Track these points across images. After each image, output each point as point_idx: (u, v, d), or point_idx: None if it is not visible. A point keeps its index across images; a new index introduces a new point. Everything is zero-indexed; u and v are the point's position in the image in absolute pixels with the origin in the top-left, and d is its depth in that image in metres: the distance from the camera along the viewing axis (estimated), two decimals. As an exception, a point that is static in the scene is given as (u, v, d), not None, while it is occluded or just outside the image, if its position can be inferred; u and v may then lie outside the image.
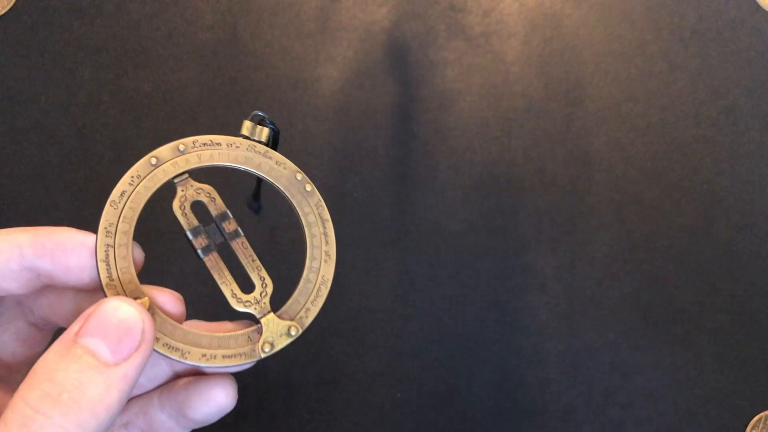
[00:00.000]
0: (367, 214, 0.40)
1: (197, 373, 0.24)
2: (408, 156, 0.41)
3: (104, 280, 0.21)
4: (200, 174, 0.23)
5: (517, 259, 0.40)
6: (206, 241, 0.22)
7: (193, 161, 0.23)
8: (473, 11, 0.43)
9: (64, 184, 0.40)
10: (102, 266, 0.21)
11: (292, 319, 0.23)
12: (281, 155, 0.23)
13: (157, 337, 0.21)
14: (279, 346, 0.22)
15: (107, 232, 0.21)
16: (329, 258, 0.23)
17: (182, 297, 0.22)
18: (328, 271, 0.23)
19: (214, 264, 0.22)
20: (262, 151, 0.23)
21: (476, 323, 0.39)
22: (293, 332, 0.22)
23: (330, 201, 0.24)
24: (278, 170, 0.23)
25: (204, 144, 0.23)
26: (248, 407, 0.38)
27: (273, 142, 0.24)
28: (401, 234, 0.40)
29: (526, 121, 0.41)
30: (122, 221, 0.22)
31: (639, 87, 0.42)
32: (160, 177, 0.22)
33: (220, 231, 0.23)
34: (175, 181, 0.23)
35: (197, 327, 0.22)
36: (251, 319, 0.23)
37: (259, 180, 0.24)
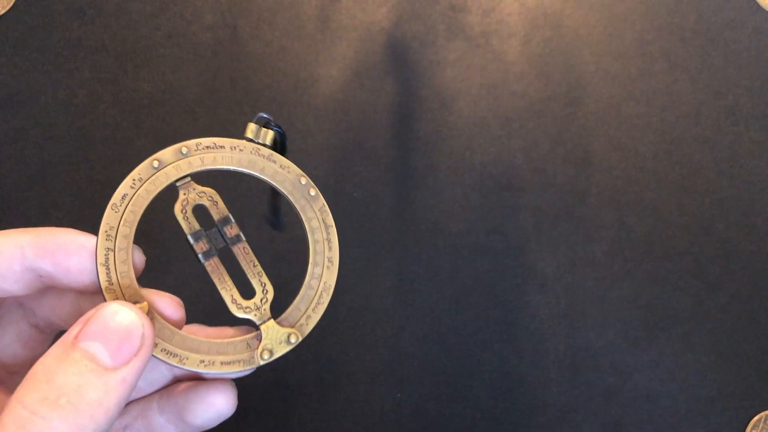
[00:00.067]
0: (367, 214, 0.40)
1: (197, 378, 0.23)
2: (408, 156, 0.41)
3: (103, 284, 0.21)
4: (203, 177, 0.23)
5: (517, 259, 0.40)
6: (207, 246, 0.22)
7: (196, 164, 0.22)
8: (473, 11, 0.43)
9: (64, 184, 0.40)
10: (102, 270, 0.21)
11: (292, 326, 0.22)
12: (285, 159, 0.23)
13: (155, 342, 0.21)
14: (278, 354, 0.22)
15: (108, 235, 0.21)
16: (332, 264, 0.23)
17: (182, 301, 0.22)
18: (330, 277, 0.23)
19: (214, 269, 0.22)
20: (266, 155, 0.23)
21: (476, 323, 0.39)
22: (293, 340, 0.22)
23: (330, 201, 0.23)
24: (282, 174, 0.23)
25: (207, 147, 0.22)
26: (248, 407, 0.38)
27: (280, 145, 0.24)
28: (401, 234, 0.40)
29: (526, 121, 0.41)
30: (123, 225, 0.21)
31: (639, 87, 0.42)
32: (162, 180, 0.22)
33: (222, 235, 0.22)
34: (177, 184, 0.22)
35: (197, 332, 0.22)
36: (251, 325, 0.23)
37: (275, 193, 0.23)
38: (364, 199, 0.41)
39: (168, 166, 0.22)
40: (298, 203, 0.23)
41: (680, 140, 0.41)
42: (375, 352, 0.39)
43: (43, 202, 0.40)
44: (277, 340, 0.22)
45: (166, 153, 0.22)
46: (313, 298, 0.23)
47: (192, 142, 0.22)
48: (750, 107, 0.42)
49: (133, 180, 0.22)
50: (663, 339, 0.39)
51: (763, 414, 0.39)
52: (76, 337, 0.19)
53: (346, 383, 0.39)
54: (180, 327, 0.22)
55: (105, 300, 0.21)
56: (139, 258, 0.22)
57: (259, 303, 0.22)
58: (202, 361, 0.21)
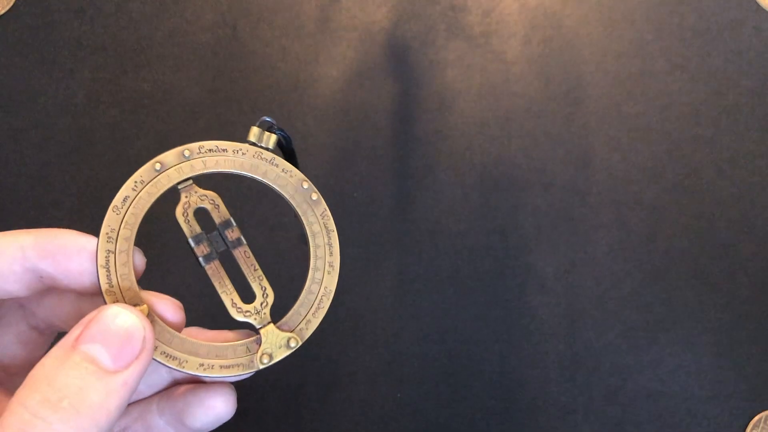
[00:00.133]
0: (367, 214, 0.40)
1: (196, 381, 0.23)
2: (408, 156, 0.41)
3: (104, 287, 0.21)
4: (205, 179, 0.23)
5: (517, 259, 0.40)
6: (208, 249, 0.22)
7: (198, 167, 0.22)
8: (473, 11, 0.43)
9: (64, 184, 0.40)
10: (102, 272, 0.21)
11: (291, 331, 0.22)
12: (288, 162, 0.23)
13: (155, 345, 0.21)
14: (277, 358, 0.22)
15: (109, 237, 0.21)
16: (333, 269, 0.23)
17: (182, 304, 0.22)
18: (331, 282, 0.23)
19: (215, 272, 0.22)
20: (269, 159, 0.23)
21: (476, 323, 0.39)
22: (292, 344, 0.22)
23: (330, 201, 0.23)
24: (284, 178, 0.23)
25: (209, 150, 0.22)
26: (248, 407, 0.38)
27: (288, 149, 0.24)
28: (401, 234, 0.40)
29: (526, 121, 0.41)
30: (124, 227, 0.21)
31: (639, 87, 0.42)
32: (164, 183, 0.22)
33: (223, 239, 0.22)
34: (179, 187, 0.22)
35: (197, 335, 0.22)
36: (251, 329, 0.23)
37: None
38: (364, 199, 0.41)
39: (170, 169, 0.22)
40: (300, 207, 0.23)
41: (680, 140, 0.41)
42: (375, 352, 0.39)
43: (43, 202, 0.40)
44: (276, 344, 0.22)
45: (169, 155, 0.22)
46: (314, 302, 0.23)
47: (194, 145, 0.22)
48: (750, 107, 0.42)
49: (135, 182, 0.22)
50: (663, 339, 0.39)
51: (763, 414, 0.39)
52: (77, 340, 0.19)
53: (346, 383, 0.39)
54: (180, 330, 0.22)
55: (105, 302, 0.21)
56: (140, 260, 0.22)
57: (259, 307, 0.22)
58: (202, 365, 0.21)
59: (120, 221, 0.21)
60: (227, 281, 0.22)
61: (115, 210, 0.21)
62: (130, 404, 0.24)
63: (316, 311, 0.23)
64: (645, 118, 0.42)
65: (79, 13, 0.42)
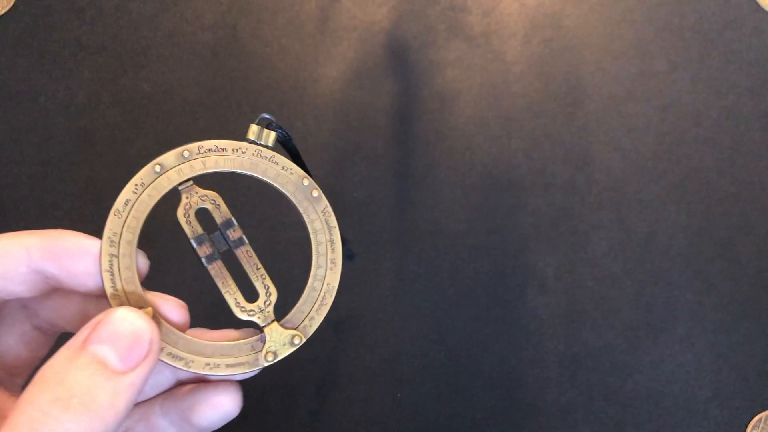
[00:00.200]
0: (367, 214, 0.40)
1: (201, 380, 0.24)
2: (408, 156, 0.41)
3: (108, 291, 0.21)
4: (205, 179, 0.23)
5: (517, 259, 0.40)
6: (210, 250, 0.22)
7: (198, 168, 0.22)
8: (473, 11, 0.43)
9: (64, 184, 0.40)
10: (106, 276, 0.21)
11: (295, 328, 0.22)
12: (288, 160, 0.23)
13: (161, 347, 0.21)
14: (282, 355, 0.22)
15: (111, 241, 0.21)
16: (335, 266, 0.23)
17: (186, 305, 0.22)
18: (333, 278, 0.23)
19: (218, 272, 0.22)
20: (268, 156, 0.23)
21: (476, 323, 0.39)
22: (296, 341, 0.22)
23: (330, 201, 0.23)
24: (285, 176, 0.23)
25: (209, 150, 0.22)
26: (248, 407, 0.38)
27: (289, 146, 0.24)
28: (401, 234, 0.40)
29: (526, 121, 0.41)
30: (126, 231, 0.21)
31: (639, 87, 0.42)
32: (165, 185, 0.22)
33: (225, 239, 0.22)
34: (180, 188, 0.22)
35: (201, 335, 0.22)
36: (255, 328, 0.23)
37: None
38: (364, 199, 0.41)
39: (170, 170, 0.22)
40: (301, 205, 0.23)
41: (680, 140, 0.41)
42: (375, 352, 0.39)
43: (43, 202, 0.40)
44: (280, 342, 0.22)
45: (168, 157, 0.22)
46: (317, 299, 0.23)
47: (194, 145, 0.22)
48: (750, 107, 0.42)
49: (136, 185, 0.22)
50: (663, 339, 0.39)
51: (763, 414, 0.39)
52: (85, 341, 0.19)
53: (346, 383, 0.39)
54: (184, 330, 0.22)
55: (111, 306, 0.21)
56: (144, 263, 0.22)
57: (262, 305, 0.22)
58: (207, 364, 0.22)
59: (122, 225, 0.21)
60: (230, 281, 0.22)
61: (116, 214, 0.21)
62: (134, 405, 0.24)
63: (319, 308, 0.23)
64: (645, 118, 0.42)
65: (79, 13, 0.42)
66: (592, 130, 0.41)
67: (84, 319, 0.21)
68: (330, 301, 0.23)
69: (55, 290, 0.22)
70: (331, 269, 0.23)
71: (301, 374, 0.39)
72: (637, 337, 0.40)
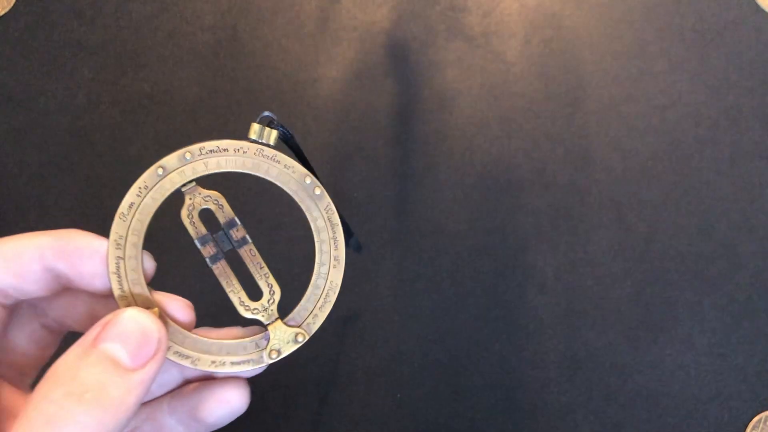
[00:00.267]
0: (367, 214, 0.40)
1: (208, 379, 0.24)
2: (408, 156, 0.41)
3: (116, 292, 0.22)
4: (209, 179, 0.23)
5: (517, 259, 0.40)
6: (214, 250, 0.23)
7: (200, 169, 0.22)
8: (473, 11, 0.43)
9: (64, 184, 0.40)
10: (113, 278, 0.22)
11: (299, 326, 0.23)
12: (290, 158, 0.23)
13: (168, 346, 0.21)
14: (286, 353, 0.23)
15: (117, 244, 0.22)
16: (338, 263, 0.23)
17: (191, 304, 0.23)
18: (336, 276, 0.23)
19: (222, 272, 0.23)
20: (270, 155, 0.23)
21: (476, 323, 0.39)
22: (300, 339, 0.23)
23: (339, 212, 0.23)
24: (287, 175, 0.23)
25: (211, 150, 0.22)
26: (248, 407, 0.38)
27: (292, 144, 0.24)
28: (401, 234, 0.40)
29: (526, 121, 0.41)
30: (131, 233, 0.22)
31: (639, 87, 0.42)
32: (168, 187, 0.22)
33: (228, 239, 0.23)
34: (183, 189, 0.23)
35: (207, 334, 0.23)
36: (259, 325, 0.23)
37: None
38: (364, 199, 0.41)
39: (173, 173, 0.22)
40: (303, 203, 0.23)
41: (680, 140, 0.41)
42: (375, 352, 0.39)
43: (43, 202, 0.40)
44: (284, 339, 0.23)
45: (170, 159, 0.22)
46: (320, 297, 0.23)
47: (195, 147, 0.22)
48: (750, 107, 0.42)
49: (139, 188, 0.22)
50: (663, 339, 0.39)
51: (763, 414, 0.39)
52: (96, 339, 0.19)
53: (346, 383, 0.39)
54: (190, 328, 0.22)
55: (119, 307, 0.21)
56: (150, 264, 0.22)
57: (266, 304, 0.23)
58: (213, 362, 0.22)
59: (127, 228, 0.22)
60: (234, 280, 0.23)
61: (121, 217, 0.22)
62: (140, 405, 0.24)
63: (322, 306, 0.23)
64: (645, 118, 0.42)
65: (79, 14, 0.42)
66: (592, 130, 0.41)
67: (92, 318, 0.22)
68: (333, 298, 0.23)
69: (64, 290, 0.22)
70: (335, 267, 0.23)
71: (302, 374, 0.39)
72: (637, 337, 0.40)
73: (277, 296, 0.23)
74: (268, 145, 0.23)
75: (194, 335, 0.22)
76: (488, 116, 0.42)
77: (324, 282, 0.23)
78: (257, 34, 0.42)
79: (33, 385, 0.24)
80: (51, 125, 0.41)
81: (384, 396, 0.39)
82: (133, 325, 0.20)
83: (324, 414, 0.39)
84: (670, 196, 0.41)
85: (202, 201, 0.23)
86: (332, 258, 0.23)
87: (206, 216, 0.23)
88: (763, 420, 0.39)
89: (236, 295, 0.23)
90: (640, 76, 0.42)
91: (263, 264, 0.23)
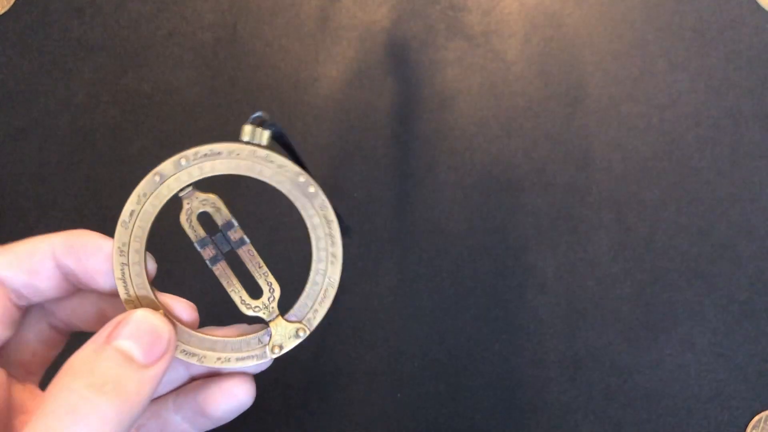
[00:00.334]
0: (367, 214, 0.40)
1: (214, 374, 0.25)
2: (408, 156, 0.41)
3: (123, 297, 0.23)
4: (206, 181, 0.23)
5: (517, 259, 0.40)
6: (214, 251, 0.23)
7: (196, 174, 0.23)
8: (473, 11, 0.43)
9: (64, 184, 0.40)
10: (120, 284, 0.23)
11: (299, 321, 0.23)
12: (283, 158, 0.23)
13: (176, 344, 0.22)
14: (288, 347, 0.23)
15: (121, 251, 0.23)
16: (335, 259, 0.23)
17: (195, 305, 0.24)
18: (334, 272, 0.23)
19: (222, 272, 0.23)
20: (263, 156, 0.23)
21: (476, 323, 0.39)
22: (301, 334, 0.23)
23: (330, 201, 0.24)
24: (280, 174, 0.23)
25: (205, 155, 0.23)
26: (248, 408, 0.38)
27: (283, 143, 0.24)
28: (401, 234, 0.40)
29: (526, 121, 0.41)
30: (134, 240, 0.23)
31: (639, 87, 0.42)
32: (165, 193, 0.23)
33: (227, 240, 0.23)
34: (180, 195, 0.23)
35: (212, 333, 0.23)
36: (261, 323, 0.24)
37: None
38: (364, 199, 0.41)
39: (169, 179, 0.23)
40: (298, 201, 0.23)
41: (680, 140, 0.41)
42: (375, 352, 0.39)
43: (43, 202, 0.40)
44: (286, 335, 0.23)
45: (167, 165, 0.23)
46: (319, 293, 0.23)
47: (190, 152, 0.23)
48: (750, 107, 0.42)
49: (138, 196, 0.23)
50: (663, 339, 0.39)
51: (763, 414, 0.39)
52: (109, 337, 0.20)
53: (346, 383, 0.39)
54: (194, 328, 0.23)
55: (126, 310, 0.22)
56: (152, 266, 0.23)
57: (266, 302, 0.24)
58: (219, 359, 0.23)
59: (129, 235, 0.23)
60: (235, 280, 0.23)
61: (123, 225, 0.23)
62: None
63: (322, 301, 0.24)
64: (645, 118, 0.42)
65: (79, 13, 0.42)
66: (592, 130, 0.41)
67: (100, 318, 0.24)
68: (332, 294, 0.24)
69: (74, 292, 0.24)
70: (332, 263, 0.23)
71: (302, 374, 0.39)
72: (637, 337, 0.40)
73: (277, 293, 0.24)
74: (260, 146, 0.23)
75: (199, 334, 0.23)
76: (488, 116, 0.42)
77: (322, 278, 0.23)
78: (257, 34, 0.42)
79: (39, 384, 0.25)
80: (51, 125, 0.41)
81: (384, 396, 0.39)
82: (144, 325, 0.21)
83: (324, 414, 0.39)
84: (670, 196, 0.41)
85: (200, 205, 0.23)
86: (329, 254, 0.23)
87: (205, 219, 0.23)
88: (763, 420, 0.39)
89: (237, 294, 0.23)
90: (640, 76, 0.42)
91: (262, 263, 0.23)
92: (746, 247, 0.40)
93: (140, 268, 0.23)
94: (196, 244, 0.23)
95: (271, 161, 0.23)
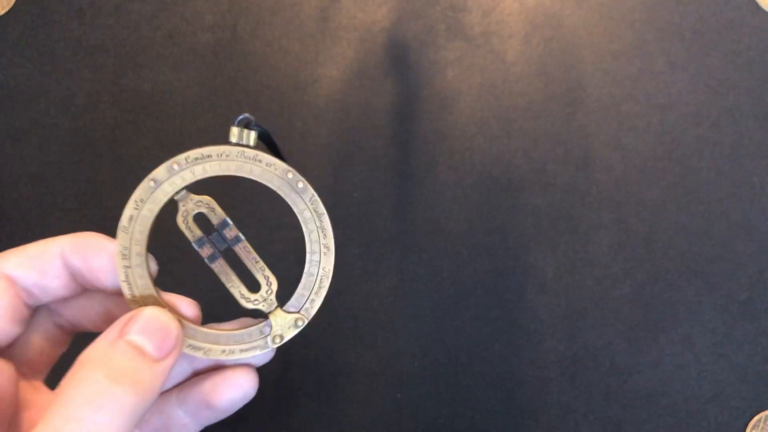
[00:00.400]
0: (367, 214, 0.40)
1: (217, 368, 0.26)
2: (408, 156, 0.41)
3: (128, 298, 0.24)
4: (201, 183, 0.24)
5: (517, 259, 0.40)
6: (211, 250, 0.24)
7: (188, 178, 0.24)
8: (473, 11, 0.43)
9: (64, 184, 0.40)
10: (124, 286, 0.24)
11: (298, 312, 0.25)
12: (270, 156, 0.24)
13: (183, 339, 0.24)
14: (288, 337, 0.25)
15: (123, 255, 0.24)
16: (328, 250, 0.25)
17: (197, 303, 0.25)
18: (328, 263, 0.25)
19: (221, 269, 0.24)
20: (252, 156, 0.24)
21: (476, 323, 0.39)
22: (300, 323, 0.25)
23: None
24: (269, 172, 0.24)
25: (196, 159, 0.24)
26: (248, 407, 0.38)
27: (268, 143, 0.25)
28: (401, 234, 0.40)
29: (526, 121, 0.41)
30: (135, 244, 0.24)
31: (639, 87, 0.42)
32: (161, 198, 0.24)
33: (223, 238, 0.24)
34: (176, 198, 0.24)
35: (215, 328, 0.24)
36: (261, 315, 0.25)
37: None
38: (364, 199, 0.41)
39: (164, 184, 0.24)
40: (289, 197, 0.24)
41: (680, 140, 0.41)
42: (375, 352, 0.39)
43: (43, 202, 0.40)
44: (285, 325, 0.25)
45: (160, 171, 0.24)
46: (314, 283, 0.25)
47: (181, 157, 0.24)
48: (750, 107, 0.42)
49: (136, 201, 0.24)
50: (663, 339, 0.39)
51: (763, 414, 0.39)
52: (121, 332, 0.21)
53: (346, 383, 0.39)
54: (197, 324, 0.24)
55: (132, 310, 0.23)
56: (153, 267, 0.25)
57: (265, 294, 0.25)
58: (224, 351, 0.24)
59: (130, 239, 0.24)
60: (233, 276, 0.25)
61: (123, 230, 0.24)
62: None
63: (318, 291, 0.25)
64: (645, 118, 0.42)
65: (79, 13, 0.42)
66: (592, 130, 0.41)
67: (106, 318, 0.25)
68: (327, 284, 0.25)
69: (81, 292, 0.25)
70: (325, 254, 0.25)
71: (301, 374, 0.39)
72: (637, 337, 0.40)
73: (275, 286, 0.25)
74: (248, 146, 0.24)
75: (203, 329, 0.24)
76: (488, 116, 0.42)
77: (317, 269, 0.25)
78: (257, 34, 0.42)
79: (44, 381, 0.25)
80: (51, 125, 0.41)
81: (384, 396, 0.39)
82: (154, 321, 0.22)
83: (324, 414, 0.39)
84: (670, 196, 0.41)
85: (195, 206, 0.24)
86: (322, 246, 0.25)
87: (201, 219, 0.24)
88: (763, 420, 0.39)
89: (236, 289, 0.25)
90: (640, 76, 0.42)
91: (258, 258, 0.25)
92: (746, 247, 0.40)
93: (143, 270, 0.24)
94: (194, 244, 0.24)
95: (260, 160, 0.24)
